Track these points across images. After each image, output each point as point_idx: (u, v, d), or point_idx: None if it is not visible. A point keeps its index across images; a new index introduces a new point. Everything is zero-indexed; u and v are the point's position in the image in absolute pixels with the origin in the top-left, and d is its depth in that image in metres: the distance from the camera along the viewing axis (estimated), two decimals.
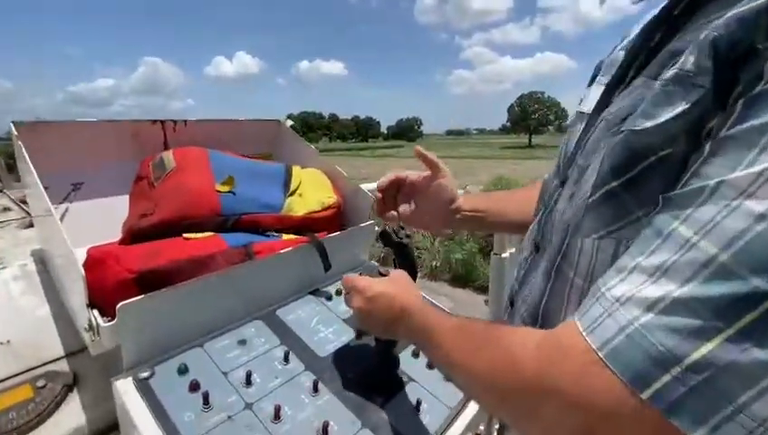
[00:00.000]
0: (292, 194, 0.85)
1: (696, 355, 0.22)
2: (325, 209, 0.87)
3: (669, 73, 0.30)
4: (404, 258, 0.74)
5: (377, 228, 0.94)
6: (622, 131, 0.32)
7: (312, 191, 0.89)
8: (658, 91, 0.30)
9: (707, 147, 0.26)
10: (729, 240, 0.22)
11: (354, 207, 0.95)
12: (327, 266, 0.77)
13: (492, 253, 1.33)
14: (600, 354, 0.25)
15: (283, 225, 0.79)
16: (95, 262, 0.60)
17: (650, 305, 0.24)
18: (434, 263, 4.12)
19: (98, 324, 0.50)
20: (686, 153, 0.28)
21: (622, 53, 0.42)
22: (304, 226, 0.82)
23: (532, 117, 63.17)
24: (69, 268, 0.57)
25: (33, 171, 0.63)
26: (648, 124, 0.30)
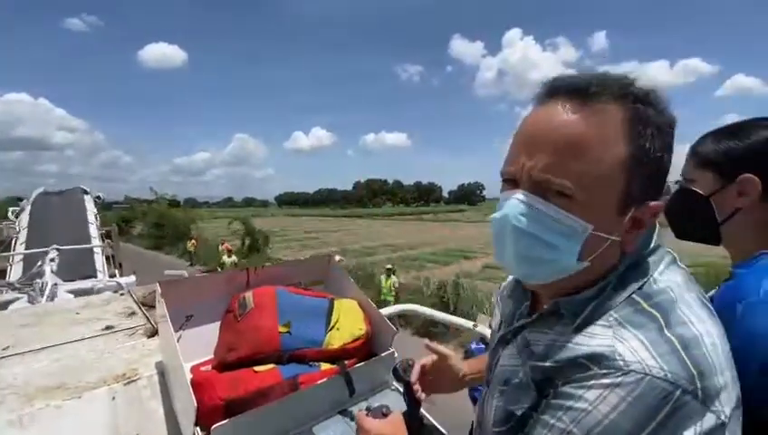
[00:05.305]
0: (331, 329, 1.14)
1: None
2: (356, 340, 1.14)
3: (519, 376, 0.55)
4: (408, 393, 0.96)
5: (396, 355, 1.19)
6: (503, 394, 0.57)
7: (347, 323, 1.17)
8: (515, 388, 0.55)
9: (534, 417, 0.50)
10: None
11: (380, 333, 1.21)
12: (351, 392, 1.03)
13: None
14: None
15: (322, 356, 1.07)
16: (197, 385, 0.92)
17: None
18: None
19: None
20: (531, 413, 0.52)
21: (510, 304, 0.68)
22: (339, 356, 1.09)
23: None
24: (184, 395, 0.88)
25: (167, 313, 0.99)
26: (511, 408, 0.55)
